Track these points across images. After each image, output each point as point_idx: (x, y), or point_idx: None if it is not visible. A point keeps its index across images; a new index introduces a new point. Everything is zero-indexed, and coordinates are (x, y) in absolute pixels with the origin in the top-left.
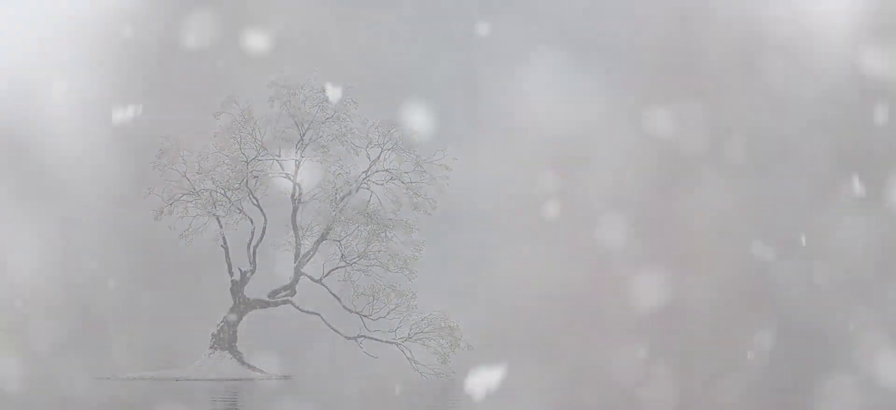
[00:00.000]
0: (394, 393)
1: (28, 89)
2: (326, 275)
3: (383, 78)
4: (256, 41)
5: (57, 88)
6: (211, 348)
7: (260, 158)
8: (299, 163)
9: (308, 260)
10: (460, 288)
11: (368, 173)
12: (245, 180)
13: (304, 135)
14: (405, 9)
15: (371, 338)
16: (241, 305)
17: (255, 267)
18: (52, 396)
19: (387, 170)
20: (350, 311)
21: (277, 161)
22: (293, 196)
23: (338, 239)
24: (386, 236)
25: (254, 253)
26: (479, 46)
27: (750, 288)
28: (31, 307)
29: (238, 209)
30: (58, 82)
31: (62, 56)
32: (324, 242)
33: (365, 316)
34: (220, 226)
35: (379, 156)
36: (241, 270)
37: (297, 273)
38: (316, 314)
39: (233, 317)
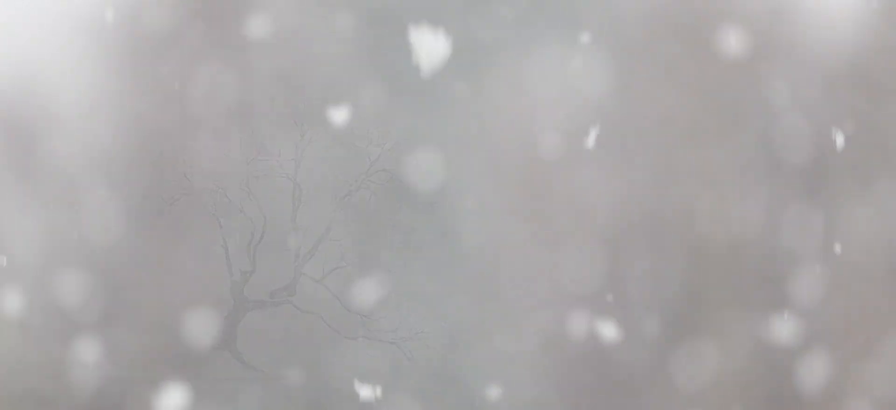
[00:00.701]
0: (394, 393)
1: (27, 85)
2: (326, 275)
3: (382, 75)
4: (257, 37)
5: (56, 84)
6: (211, 348)
7: (260, 158)
8: (299, 163)
9: (308, 261)
10: (460, 287)
11: (368, 173)
12: (245, 180)
13: (304, 135)
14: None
15: (371, 338)
16: (241, 305)
17: (254, 267)
18: (53, 395)
19: (387, 170)
20: (350, 311)
21: (277, 161)
22: (293, 196)
23: (338, 239)
24: (386, 236)
25: (254, 253)
26: (478, 41)
27: None
28: (31, 303)
29: (238, 209)
30: (57, 78)
31: (63, 51)
32: (323, 242)
33: (365, 316)
34: (220, 226)
35: (379, 157)
36: (241, 270)
37: (297, 273)
38: (316, 314)
39: (232, 318)
